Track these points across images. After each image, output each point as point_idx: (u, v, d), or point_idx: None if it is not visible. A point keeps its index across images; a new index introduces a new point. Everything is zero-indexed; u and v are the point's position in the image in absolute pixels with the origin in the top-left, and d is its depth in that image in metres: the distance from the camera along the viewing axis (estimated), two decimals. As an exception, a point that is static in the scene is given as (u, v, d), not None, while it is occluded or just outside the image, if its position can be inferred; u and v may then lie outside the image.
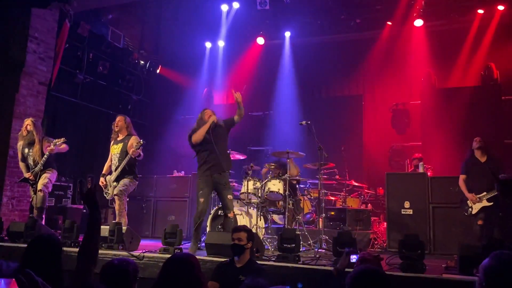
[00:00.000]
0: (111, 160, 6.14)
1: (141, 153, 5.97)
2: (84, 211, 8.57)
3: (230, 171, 5.72)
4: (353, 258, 3.47)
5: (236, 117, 5.65)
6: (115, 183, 5.98)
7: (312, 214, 7.54)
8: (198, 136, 5.48)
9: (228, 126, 5.73)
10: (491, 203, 5.62)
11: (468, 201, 5.78)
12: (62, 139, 6.22)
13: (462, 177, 5.98)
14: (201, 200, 5.44)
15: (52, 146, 6.14)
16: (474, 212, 5.72)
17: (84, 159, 9.40)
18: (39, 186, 6.11)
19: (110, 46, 9.53)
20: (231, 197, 5.49)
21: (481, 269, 1.67)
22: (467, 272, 4.06)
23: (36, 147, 6.21)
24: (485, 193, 5.68)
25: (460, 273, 4.11)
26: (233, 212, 5.53)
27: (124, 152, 5.96)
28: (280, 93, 10.47)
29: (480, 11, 8.91)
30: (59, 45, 8.08)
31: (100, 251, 5.07)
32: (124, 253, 5.03)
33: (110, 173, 6.13)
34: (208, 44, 11.09)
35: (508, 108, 8.56)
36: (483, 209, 5.68)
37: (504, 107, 8.55)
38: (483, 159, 5.90)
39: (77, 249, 5.22)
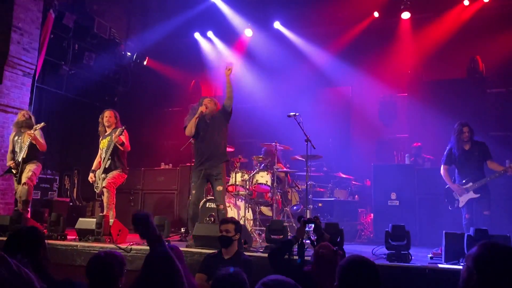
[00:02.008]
0: (101, 156, 6.11)
1: (125, 142, 5.93)
2: (71, 204, 8.52)
3: (225, 161, 5.67)
4: (310, 226, 3.53)
5: (225, 102, 5.63)
6: (103, 175, 5.95)
7: (300, 206, 7.58)
8: (188, 130, 5.56)
9: (224, 115, 5.69)
10: (478, 195, 5.31)
11: (454, 193, 5.48)
12: (42, 124, 6.14)
13: (444, 167, 5.62)
14: (193, 192, 5.52)
15: (32, 131, 6.05)
16: (461, 205, 5.41)
17: (70, 151, 9.31)
18: (23, 179, 6.04)
19: (96, 37, 9.40)
20: (220, 189, 5.47)
21: (469, 258, 1.67)
22: (452, 261, 4.13)
23: (24, 133, 6.14)
24: (471, 183, 5.36)
25: (446, 263, 4.19)
26: (223, 205, 5.50)
27: (111, 144, 5.93)
28: (268, 85, 10.44)
29: (466, 3, 8.98)
30: (43, 36, 7.94)
31: (87, 244, 5.08)
32: (112, 245, 5.01)
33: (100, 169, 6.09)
34: (196, 36, 11.00)
35: (493, 101, 8.66)
36: (470, 201, 5.37)
37: (489, 99, 8.65)
38: (467, 147, 5.52)
39: (63, 242, 5.22)
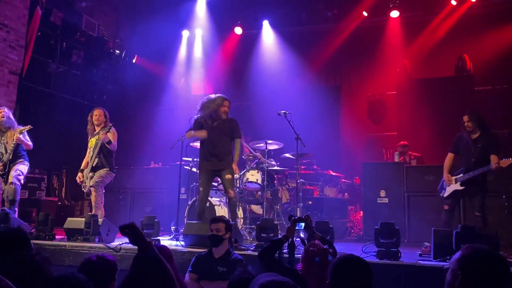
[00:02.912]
0: (89, 154, 6.06)
1: (112, 141, 5.88)
2: (59, 203, 8.44)
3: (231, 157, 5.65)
4: (300, 225, 3.51)
5: (237, 143, 5.67)
6: (91, 174, 5.91)
7: (290, 203, 7.59)
8: (188, 137, 5.72)
9: (234, 132, 5.65)
10: (463, 188, 5.11)
11: (445, 182, 5.31)
12: (28, 127, 6.03)
13: (449, 155, 5.40)
14: (200, 189, 5.53)
15: (17, 134, 5.95)
16: (445, 194, 5.26)
17: (58, 150, 9.22)
18: (10, 178, 5.94)
19: (84, 35, 9.30)
20: (229, 177, 5.45)
21: (454, 261, 1.72)
22: (441, 258, 4.17)
23: (8, 134, 6.03)
24: (461, 174, 5.15)
25: (434, 260, 4.22)
26: (233, 192, 5.49)
27: (99, 143, 5.89)
28: (258, 83, 10.44)
29: (454, 2, 9.06)
30: (30, 33, 7.84)
31: (76, 244, 5.03)
32: (101, 245, 4.96)
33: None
34: (185, 33, 10.95)
35: (480, 99, 8.75)
36: (454, 193, 5.19)
37: (477, 97, 8.74)
38: (474, 136, 5.21)
39: (51, 242, 5.16)
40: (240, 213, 6.58)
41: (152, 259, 2.14)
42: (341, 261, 2.05)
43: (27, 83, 8.27)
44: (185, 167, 6.97)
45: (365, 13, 9.64)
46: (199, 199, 5.56)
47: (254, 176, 6.51)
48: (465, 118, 5.24)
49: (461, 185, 5.12)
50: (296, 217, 3.57)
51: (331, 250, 3.06)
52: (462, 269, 1.66)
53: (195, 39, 11.03)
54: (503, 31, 8.60)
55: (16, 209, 5.98)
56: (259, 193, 6.68)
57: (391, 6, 9.26)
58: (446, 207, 5.25)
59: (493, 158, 4.98)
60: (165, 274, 2.12)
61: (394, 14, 9.33)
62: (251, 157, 6.95)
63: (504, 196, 6.13)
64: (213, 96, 5.74)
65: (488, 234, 4.14)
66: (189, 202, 6.59)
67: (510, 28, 8.58)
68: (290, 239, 3.44)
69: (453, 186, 5.19)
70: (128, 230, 2.18)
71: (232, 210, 5.53)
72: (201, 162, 5.63)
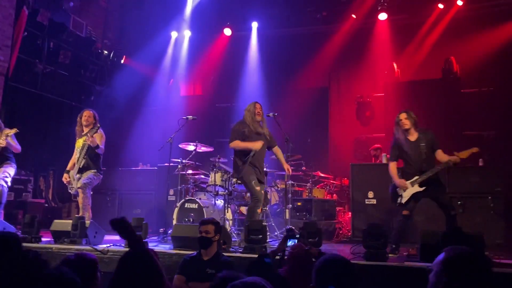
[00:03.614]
0: (76, 156, 6.01)
1: (100, 145, 5.83)
2: (46, 205, 8.34)
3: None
4: (290, 242, 3.51)
5: (275, 147, 5.85)
6: (78, 175, 5.86)
7: (279, 205, 7.60)
8: (234, 146, 5.61)
9: (269, 143, 5.80)
10: (423, 188, 4.97)
11: (398, 189, 5.10)
12: (14, 130, 5.95)
13: (391, 163, 5.23)
14: (258, 188, 5.46)
15: (3, 138, 5.87)
16: (404, 200, 5.04)
17: (45, 152, 9.11)
18: (-3, 181, 5.86)
19: (72, 35, 9.22)
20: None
21: (438, 263, 1.75)
22: (428, 259, 4.20)
23: None
24: (417, 177, 5.00)
25: (421, 261, 4.26)
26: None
27: (86, 145, 5.84)
28: (247, 84, 10.45)
29: (441, 6, 9.16)
30: (16, 33, 7.74)
31: (62, 246, 4.99)
32: (88, 247, 4.93)
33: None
34: (174, 34, 10.92)
35: (467, 101, 8.86)
36: (414, 196, 5.01)
37: (463, 99, 8.85)
38: (413, 138, 5.14)
39: (38, 245, 5.10)
40: (229, 215, 6.57)
41: (142, 254, 2.13)
42: (324, 262, 2.03)
43: (13, 83, 8.17)
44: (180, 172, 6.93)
45: (354, 16, 9.70)
46: (258, 199, 5.46)
47: (243, 177, 6.49)
48: (402, 115, 5.20)
49: (420, 186, 4.98)
50: (292, 233, 3.55)
51: (315, 251, 3.05)
52: (447, 271, 1.68)
53: (184, 40, 10.99)
54: (489, 34, 8.72)
55: (2, 211, 5.90)
56: (248, 194, 6.68)
57: (379, 8, 9.34)
58: (406, 212, 5.03)
59: (441, 153, 5.01)
60: (155, 269, 2.11)
61: (382, 16, 9.41)
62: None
63: (489, 197, 6.22)
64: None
65: (474, 235, 4.19)
66: (178, 204, 6.56)
67: (497, 31, 8.71)
68: (281, 254, 3.41)
69: (410, 190, 5.03)
70: (119, 224, 2.17)
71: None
72: (249, 164, 5.52)
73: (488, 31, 8.75)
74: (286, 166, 5.80)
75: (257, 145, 5.50)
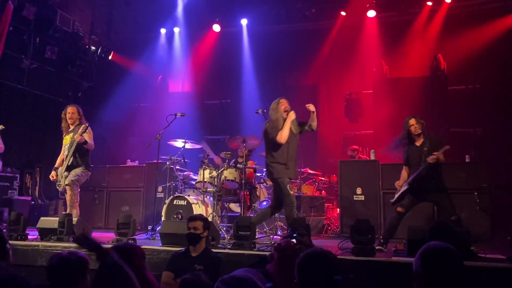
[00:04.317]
0: (64, 153, 5.95)
1: (88, 141, 5.78)
2: (32, 202, 8.25)
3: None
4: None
5: (308, 126, 5.39)
6: (66, 173, 5.80)
7: (268, 201, 7.61)
8: (284, 135, 5.19)
9: (300, 128, 5.42)
10: (407, 187, 5.06)
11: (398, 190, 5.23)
12: (0, 127, 5.89)
13: (404, 168, 5.35)
14: (292, 192, 5.22)
15: None
16: (393, 199, 5.22)
17: (31, 149, 9.01)
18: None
19: (59, 31, 9.09)
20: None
21: (415, 259, 1.80)
22: (414, 254, 4.23)
23: None
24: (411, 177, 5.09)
25: (408, 256, 4.30)
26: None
27: (74, 142, 5.78)
28: (236, 81, 10.43)
29: (429, 3, 9.23)
30: (1, 28, 7.61)
31: (49, 244, 4.94)
32: (75, 245, 4.87)
33: None
34: (162, 30, 10.84)
35: (454, 98, 8.96)
36: (402, 194, 5.12)
37: (450, 96, 8.94)
38: (419, 142, 5.20)
39: (24, 242, 5.05)
40: (218, 211, 6.57)
41: (111, 266, 2.10)
42: (304, 257, 2.01)
43: (-2, 79, 8.06)
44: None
45: (343, 13, 9.74)
46: (292, 202, 5.18)
47: (232, 174, 6.49)
48: (412, 121, 5.18)
49: (409, 185, 5.05)
50: (294, 233, 3.54)
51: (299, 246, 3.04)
52: (423, 267, 1.75)
53: (173, 36, 10.93)
54: (476, 32, 8.80)
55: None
56: (237, 191, 6.68)
57: (368, 5, 9.38)
58: (400, 209, 5.08)
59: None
60: (126, 281, 2.08)
61: (371, 13, 9.46)
62: (228, 156, 6.94)
63: (475, 193, 6.30)
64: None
65: (461, 230, 4.24)
66: (166, 201, 6.53)
67: (483, 29, 8.79)
68: None
69: (401, 190, 5.15)
70: (82, 240, 2.15)
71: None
72: (283, 165, 5.26)
73: (476, 29, 8.84)
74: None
75: (291, 115, 5.27)
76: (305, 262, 1.98)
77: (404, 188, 5.09)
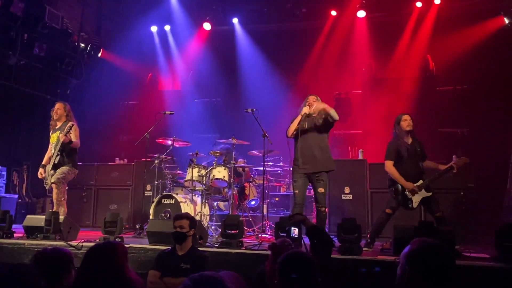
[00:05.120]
0: (51, 150, 5.90)
1: (73, 140, 5.73)
2: (19, 200, 8.18)
3: (330, 169, 5.28)
4: (294, 231, 3.48)
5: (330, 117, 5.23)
6: (52, 172, 5.76)
7: (257, 200, 7.63)
8: (289, 129, 5.34)
9: (326, 120, 5.26)
10: (430, 193, 5.00)
11: (407, 192, 5.02)
12: None
13: (390, 163, 5.15)
14: (296, 191, 5.20)
15: None
16: (415, 205, 5.01)
17: (19, 146, 8.93)
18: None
19: (47, 27, 8.99)
20: (322, 191, 5.11)
21: (402, 257, 1.78)
22: (400, 253, 4.28)
23: None
24: (421, 181, 5.03)
25: (395, 254, 4.34)
26: (324, 207, 5.13)
27: (61, 140, 5.73)
28: (227, 80, 10.41)
29: (419, 4, 9.30)
30: (-11, 24, 7.54)
31: (35, 242, 4.91)
32: (62, 243, 4.85)
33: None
34: (153, 28, 10.79)
35: (442, 98, 9.03)
36: (424, 200, 5.02)
37: (439, 97, 9.02)
38: (409, 141, 5.19)
39: (9, 240, 5.00)
40: (206, 210, 6.57)
41: (102, 251, 2.11)
42: (285, 257, 2.05)
43: (-15, 75, 7.97)
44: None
45: (333, 13, 9.77)
46: (296, 203, 5.19)
47: (220, 173, 6.50)
48: (406, 117, 5.22)
49: (427, 190, 5.00)
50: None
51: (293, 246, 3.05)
52: (410, 263, 1.71)
53: (163, 34, 10.88)
54: (465, 33, 8.86)
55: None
56: (226, 190, 6.68)
57: (358, 6, 9.42)
58: (389, 211, 5.08)
59: (433, 164, 5.21)
60: (115, 269, 2.08)
61: (361, 14, 9.50)
62: (217, 155, 6.94)
63: (462, 193, 6.37)
64: None
65: (445, 230, 4.29)
66: (154, 199, 6.52)
67: (472, 30, 8.86)
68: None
69: (421, 194, 5.01)
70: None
71: (320, 221, 5.17)
72: (296, 161, 5.35)
73: (464, 31, 8.90)
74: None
75: (303, 110, 5.24)
76: (284, 262, 2.02)
77: (425, 194, 5.00)
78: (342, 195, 6.98)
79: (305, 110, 5.29)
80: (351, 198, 6.93)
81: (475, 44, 8.76)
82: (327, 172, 5.27)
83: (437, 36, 9.17)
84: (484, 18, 8.90)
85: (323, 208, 5.12)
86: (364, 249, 4.59)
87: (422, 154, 5.22)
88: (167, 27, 10.76)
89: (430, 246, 1.73)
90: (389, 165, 5.16)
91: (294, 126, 5.33)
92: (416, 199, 5.01)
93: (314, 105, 5.28)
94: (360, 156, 7.37)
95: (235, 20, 10.40)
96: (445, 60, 8.94)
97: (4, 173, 7.94)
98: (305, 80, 10.70)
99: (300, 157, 5.27)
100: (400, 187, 5.06)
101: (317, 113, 5.27)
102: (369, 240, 5.07)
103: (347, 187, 6.97)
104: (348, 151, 8.55)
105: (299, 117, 5.31)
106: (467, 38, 8.86)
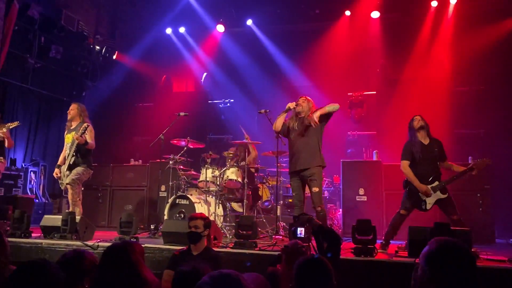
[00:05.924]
0: (65, 150, 5.97)
1: (88, 141, 5.76)
2: (36, 201, 8.30)
3: (321, 165, 5.28)
4: (300, 231, 3.50)
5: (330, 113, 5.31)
6: (67, 172, 5.82)
7: (271, 201, 7.62)
8: (275, 124, 5.44)
9: (327, 115, 5.29)
10: (446, 195, 4.88)
11: (420, 194, 4.93)
12: (16, 123, 5.94)
13: (406, 163, 5.07)
14: (293, 194, 5.29)
15: (4, 129, 5.85)
16: (429, 207, 4.93)
17: (36, 147, 9.07)
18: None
19: (64, 30, 9.14)
20: (316, 190, 5.09)
21: (422, 257, 1.74)
22: (416, 255, 4.22)
23: None
24: (437, 182, 4.92)
25: (410, 256, 4.30)
26: (321, 207, 5.08)
27: (75, 141, 5.79)
28: (239, 81, 10.44)
29: (434, 4, 9.21)
30: (7, 27, 7.67)
31: (52, 242, 4.97)
32: (78, 242, 4.92)
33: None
34: (168, 30, 10.88)
35: (459, 99, 8.91)
36: (439, 202, 4.92)
37: (455, 97, 8.90)
38: (426, 141, 5.12)
39: (27, 240, 5.09)
40: (220, 211, 6.59)
41: (118, 250, 2.13)
42: (303, 262, 2.06)
43: (3, 78, 8.13)
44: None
45: (347, 13, 9.74)
46: (295, 204, 5.26)
47: (234, 174, 6.51)
48: (418, 117, 5.20)
49: (442, 192, 4.90)
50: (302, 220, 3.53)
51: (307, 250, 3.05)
52: (429, 264, 1.68)
53: (178, 36, 10.96)
54: (481, 33, 8.75)
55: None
56: (240, 190, 6.69)
57: (371, 7, 9.37)
58: (404, 212, 5.03)
59: (450, 165, 5.10)
60: (132, 267, 2.10)
61: (375, 14, 9.45)
62: (231, 155, 6.96)
63: (478, 194, 6.28)
64: None
65: (462, 231, 4.23)
66: (169, 200, 6.56)
67: (488, 30, 8.75)
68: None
69: (434, 196, 4.91)
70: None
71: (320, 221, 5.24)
72: (290, 161, 5.38)
73: (481, 31, 8.78)
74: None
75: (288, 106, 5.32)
76: (300, 267, 2.03)
77: (440, 196, 4.90)
78: (357, 196, 6.94)
79: (290, 105, 5.38)
80: (365, 199, 6.89)
81: (492, 44, 8.63)
82: (319, 168, 5.25)
83: (453, 36, 9.06)
84: (502, 18, 8.78)
85: (320, 208, 5.09)
86: (379, 250, 4.55)
87: (441, 154, 5.10)
88: (181, 29, 10.83)
89: (449, 244, 1.70)
90: (404, 165, 5.09)
91: (279, 121, 5.43)
92: (430, 201, 4.93)
93: (304, 105, 5.36)
94: (375, 157, 7.32)
95: (249, 22, 10.43)
96: (461, 60, 8.83)
97: (22, 173, 8.07)
98: (318, 81, 10.66)
99: (292, 156, 5.34)
100: (414, 188, 4.99)
101: (307, 114, 5.31)
102: (383, 242, 5.03)
103: (362, 189, 6.93)
104: (362, 152, 8.47)
105: (283, 113, 5.43)
106: (484, 38, 8.73)
